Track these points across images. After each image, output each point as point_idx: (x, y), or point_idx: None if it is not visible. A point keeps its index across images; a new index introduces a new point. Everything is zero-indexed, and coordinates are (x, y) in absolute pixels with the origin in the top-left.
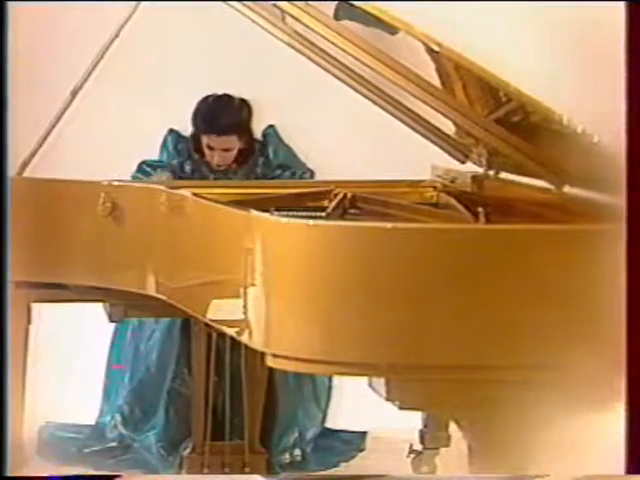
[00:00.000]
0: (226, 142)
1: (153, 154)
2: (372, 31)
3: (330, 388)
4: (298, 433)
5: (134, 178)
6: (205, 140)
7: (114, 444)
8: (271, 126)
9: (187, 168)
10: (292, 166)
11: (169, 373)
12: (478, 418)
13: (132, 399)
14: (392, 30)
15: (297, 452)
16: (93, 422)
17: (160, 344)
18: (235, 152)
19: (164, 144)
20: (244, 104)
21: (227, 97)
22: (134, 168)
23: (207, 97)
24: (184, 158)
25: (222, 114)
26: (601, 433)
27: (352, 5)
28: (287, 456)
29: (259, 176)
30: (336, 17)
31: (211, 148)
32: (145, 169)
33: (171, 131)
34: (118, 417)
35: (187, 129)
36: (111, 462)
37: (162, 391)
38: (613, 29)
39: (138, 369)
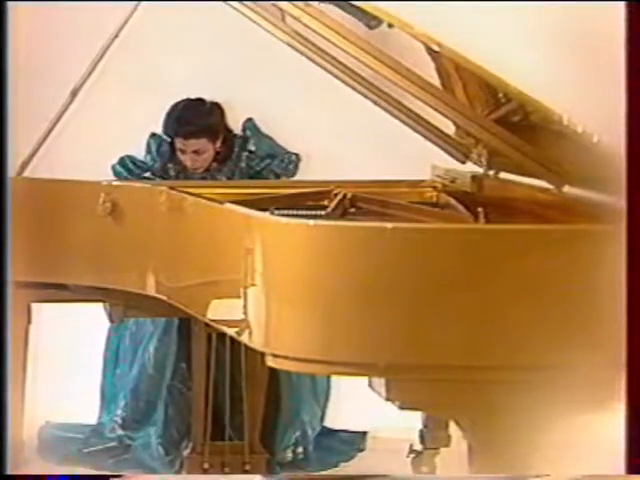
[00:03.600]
0: (195, 145)
1: None
2: (369, 31)
3: (329, 386)
4: (301, 431)
5: (114, 169)
6: (177, 144)
7: (114, 444)
8: (250, 119)
9: (171, 171)
10: (277, 154)
11: (168, 371)
12: (478, 418)
13: (131, 400)
14: (372, 23)
15: (300, 450)
16: (93, 422)
17: (158, 343)
18: (208, 155)
19: (147, 147)
20: (216, 107)
21: (198, 101)
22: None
23: (179, 102)
24: (167, 160)
25: (190, 118)
26: (601, 433)
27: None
28: (290, 454)
29: (244, 170)
30: None
31: (182, 151)
32: (127, 164)
33: (153, 135)
34: (117, 418)
35: (148, 138)
36: (111, 462)
37: (161, 390)
38: (613, 29)
39: (136, 369)
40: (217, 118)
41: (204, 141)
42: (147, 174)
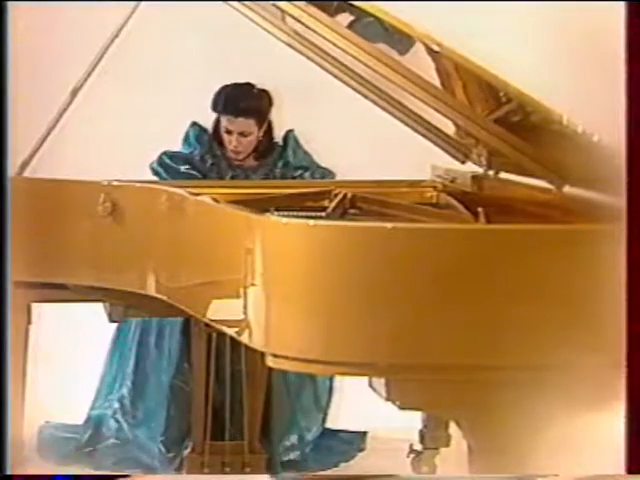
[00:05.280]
0: (243, 125)
1: (153, 154)
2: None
3: (331, 389)
4: (297, 435)
5: (153, 169)
6: (224, 123)
7: (113, 440)
8: (290, 131)
9: (208, 162)
10: (310, 167)
11: (171, 369)
12: (478, 418)
13: (133, 391)
14: (402, 49)
15: (296, 454)
16: (93, 412)
17: (162, 340)
18: (253, 139)
19: (186, 137)
20: (264, 93)
21: (248, 84)
22: (133, 169)
23: (228, 84)
24: (205, 151)
25: (241, 97)
26: (601, 433)
27: (366, 22)
28: (285, 458)
29: (277, 177)
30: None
31: (229, 132)
32: (165, 161)
33: (194, 124)
34: (116, 405)
35: (188, 127)
36: (109, 460)
37: (163, 386)
38: (613, 29)
39: (142, 364)
40: (266, 103)
41: (252, 122)
42: (184, 167)
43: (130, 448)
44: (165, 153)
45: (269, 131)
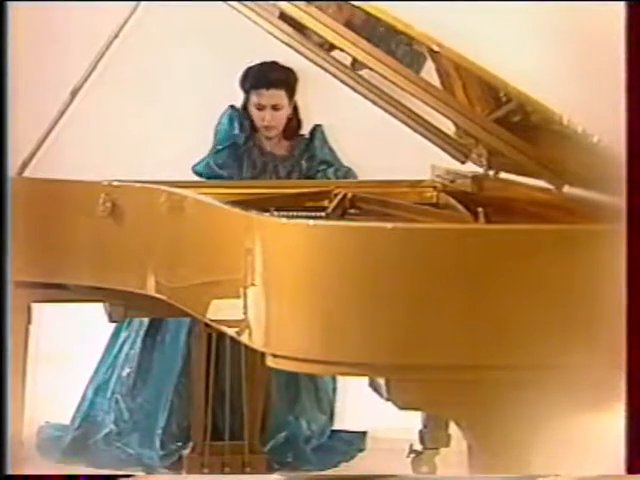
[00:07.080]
0: (275, 97)
1: (153, 153)
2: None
3: (334, 390)
4: (287, 435)
5: (197, 173)
6: (255, 99)
7: (112, 426)
8: (319, 125)
9: (242, 147)
10: (334, 164)
11: (178, 365)
12: (478, 418)
13: (136, 373)
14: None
15: (292, 454)
16: (88, 392)
17: (171, 335)
18: (284, 114)
19: (230, 120)
20: (289, 68)
21: (272, 61)
22: (133, 169)
23: (253, 64)
24: (245, 136)
25: (269, 70)
26: (601, 433)
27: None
28: (277, 457)
29: (303, 170)
30: None
31: (261, 107)
32: (211, 166)
33: (231, 107)
34: (117, 385)
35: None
36: (107, 457)
37: (168, 383)
38: (613, 29)
39: (149, 349)
40: (293, 76)
41: (283, 94)
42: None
43: (128, 441)
44: (208, 164)
45: (296, 111)
